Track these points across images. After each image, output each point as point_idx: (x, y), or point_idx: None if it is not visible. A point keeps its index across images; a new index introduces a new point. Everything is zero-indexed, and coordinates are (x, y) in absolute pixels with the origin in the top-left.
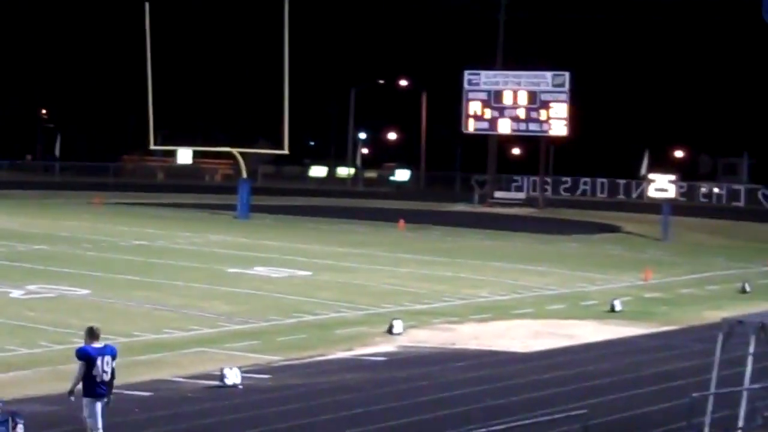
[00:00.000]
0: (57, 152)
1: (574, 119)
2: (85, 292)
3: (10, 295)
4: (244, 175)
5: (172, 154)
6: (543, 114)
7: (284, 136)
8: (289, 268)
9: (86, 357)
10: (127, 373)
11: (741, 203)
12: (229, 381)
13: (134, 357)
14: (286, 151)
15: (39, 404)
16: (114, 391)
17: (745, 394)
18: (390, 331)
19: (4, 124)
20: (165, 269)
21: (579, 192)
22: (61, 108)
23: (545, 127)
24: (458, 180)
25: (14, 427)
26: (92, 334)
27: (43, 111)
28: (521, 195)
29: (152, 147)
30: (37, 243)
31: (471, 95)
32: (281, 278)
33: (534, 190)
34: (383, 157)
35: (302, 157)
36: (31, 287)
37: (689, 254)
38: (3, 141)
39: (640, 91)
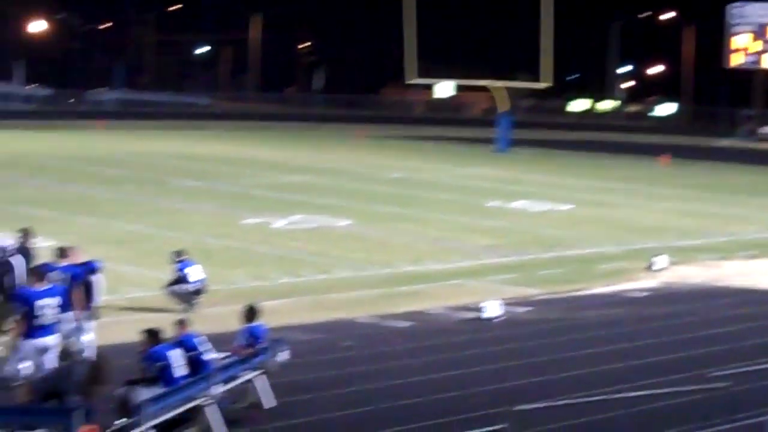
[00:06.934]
0: (319, 85)
1: None
2: (346, 223)
3: (273, 225)
4: (504, 108)
5: (432, 87)
6: None
7: (546, 69)
8: (549, 202)
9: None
10: (388, 303)
11: None
12: (488, 313)
13: (394, 288)
14: (549, 84)
15: (301, 332)
16: (375, 321)
17: None
18: (652, 266)
19: (269, 58)
20: (424, 202)
21: None
22: (325, 41)
23: None
24: (725, 115)
25: (277, 354)
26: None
27: (307, 44)
28: None
29: (412, 80)
30: (300, 174)
31: (735, 29)
32: (541, 212)
33: None
34: (647, 91)
35: (562, 90)
36: (294, 218)
37: None
38: (267, 74)
39: None
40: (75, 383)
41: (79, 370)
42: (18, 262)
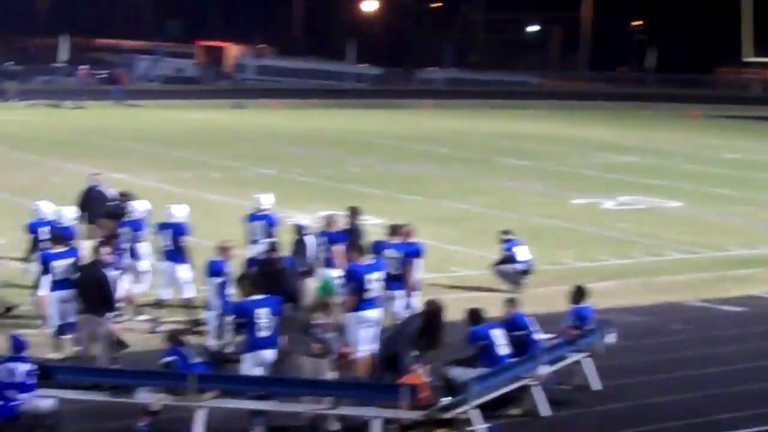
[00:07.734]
0: (652, 63)
1: None
2: (677, 204)
3: (603, 205)
4: None
5: None
6: None
7: None
8: None
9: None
10: (719, 288)
11: None
12: None
13: (726, 272)
14: None
15: (629, 315)
16: (706, 305)
17: None
18: None
19: (600, 36)
20: (760, 183)
21: None
22: (658, 18)
23: None
24: None
25: (604, 337)
26: None
27: (639, 22)
28: None
29: (748, 58)
30: (630, 155)
31: None
32: None
33: None
34: None
35: None
36: (623, 198)
37: None
38: (598, 53)
39: None
40: (410, 335)
41: (414, 323)
42: (311, 241)
